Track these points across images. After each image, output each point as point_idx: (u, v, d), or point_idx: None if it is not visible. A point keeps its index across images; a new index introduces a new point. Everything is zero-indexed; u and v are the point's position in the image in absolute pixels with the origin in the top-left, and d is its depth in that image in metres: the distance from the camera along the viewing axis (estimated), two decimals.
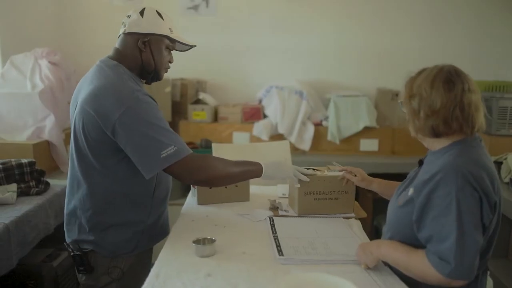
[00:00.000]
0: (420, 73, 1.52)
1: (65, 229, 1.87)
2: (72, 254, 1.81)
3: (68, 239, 1.85)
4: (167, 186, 1.94)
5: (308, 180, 2.02)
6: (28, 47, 3.41)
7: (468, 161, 1.38)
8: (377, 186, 2.02)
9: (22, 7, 3.72)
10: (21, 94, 3.09)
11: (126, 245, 1.82)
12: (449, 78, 1.44)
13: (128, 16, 1.80)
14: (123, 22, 1.81)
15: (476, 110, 1.44)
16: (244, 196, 2.29)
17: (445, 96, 1.42)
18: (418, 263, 1.37)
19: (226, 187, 2.24)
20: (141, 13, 1.78)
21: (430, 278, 1.35)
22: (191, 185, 2.31)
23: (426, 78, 1.47)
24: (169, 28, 1.83)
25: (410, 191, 1.49)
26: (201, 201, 2.23)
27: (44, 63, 3.25)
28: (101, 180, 1.74)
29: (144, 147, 1.63)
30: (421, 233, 1.41)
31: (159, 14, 1.81)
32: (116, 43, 1.84)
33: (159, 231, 1.93)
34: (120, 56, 1.80)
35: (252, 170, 1.87)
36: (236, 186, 2.26)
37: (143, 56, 1.80)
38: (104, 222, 1.78)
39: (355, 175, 2.07)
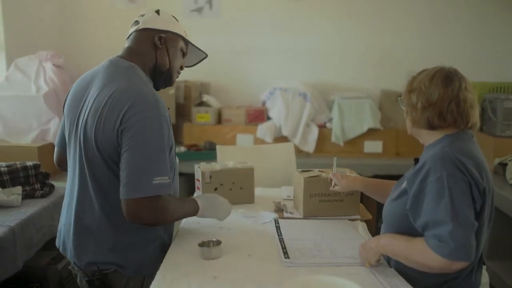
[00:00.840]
0: (421, 72, 1.60)
1: (73, 251, 1.65)
2: (87, 279, 1.63)
3: (79, 262, 1.64)
4: (176, 195, 1.82)
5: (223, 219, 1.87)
6: (32, 50, 3.42)
7: (455, 150, 1.45)
8: (362, 185, 2.01)
9: (26, 10, 3.74)
10: (25, 96, 3.10)
11: (151, 263, 1.64)
12: (448, 76, 1.53)
13: (142, 15, 1.72)
14: (136, 21, 1.72)
15: (471, 108, 1.52)
16: (249, 199, 2.29)
17: (442, 90, 1.50)
18: (418, 250, 1.41)
19: (231, 189, 2.24)
20: (157, 12, 1.73)
21: (430, 263, 1.38)
22: (197, 188, 2.31)
23: (426, 75, 1.56)
24: (184, 31, 1.79)
25: (404, 184, 1.55)
26: None
27: (48, 65, 3.27)
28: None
29: (144, 164, 1.47)
30: (417, 221, 1.45)
31: (174, 17, 1.78)
32: (127, 42, 1.73)
33: (168, 244, 1.76)
34: (133, 55, 1.68)
35: (191, 210, 1.72)
36: (241, 188, 2.26)
37: (158, 53, 1.70)
38: (128, 240, 1.62)
39: (333, 186, 2.04)
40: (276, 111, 3.98)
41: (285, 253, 1.66)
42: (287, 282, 1.39)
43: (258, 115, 4.04)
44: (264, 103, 4.16)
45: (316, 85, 4.30)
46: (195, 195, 2.35)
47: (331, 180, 2.05)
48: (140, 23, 1.70)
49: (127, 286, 1.65)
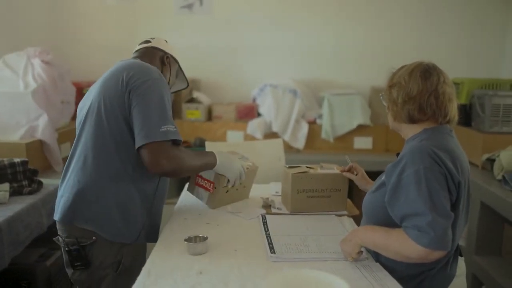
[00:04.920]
0: (401, 68, 1.64)
1: (59, 207, 1.85)
2: (67, 249, 1.80)
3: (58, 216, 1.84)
4: (165, 184, 2.00)
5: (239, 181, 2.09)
6: (21, 46, 3.39)
7: (432, 144, 1.49)
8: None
9: (14, 6, 3.71)
10: (14, 93, 3.08)
11: (131, 230, 1.85)
12: (426, 70, 1.56)
13: (153, 38, 2.06)
14: (147, 40, 2.04)
15: (450, 101, 1.56)
16: (246, 194, 2.30)
17: (421, 84, 1.54)
18: (397, 240, 1.44)
19: (237, 189, 2.17)
20: (164, 41, 2.08)
21: (409, 253, 1.41)
22: (197, 185, 2.16)
23: (406, 70, 1.60)
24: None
25: (383, 177, 1.59)
26: (214, 205, 2.13)
27: (36, 62, 3.24)
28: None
29: (150, 114, 1.70)
30: (395, 213, 1.48)
31: None
32: (135, 54, 2.02)
33: (156, 230, 1.96)
34: (143, 59, 1.96)
35: (209, 163, 1.95)
36: (244, 186, 2.23)
37: (163, 69, 2.02)
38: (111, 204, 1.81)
39: (356, 174, 2.10)
40: (266, 107, 3.98)
41: (271, 248, 1.66)
42: (272, 277, 1.39)
43: (248, 112, 4.04)
44: (254, 100, 4.16)
45: (307, 82, 4.30)
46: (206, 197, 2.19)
47: (348, 169, 2.10)
48: (152, 42, 2.04)
49: (104, 257, 1.81)
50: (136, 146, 1.71)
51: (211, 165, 1.96)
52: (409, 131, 1.62)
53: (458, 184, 1.48)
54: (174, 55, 2.09)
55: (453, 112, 1.58)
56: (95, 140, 1.78)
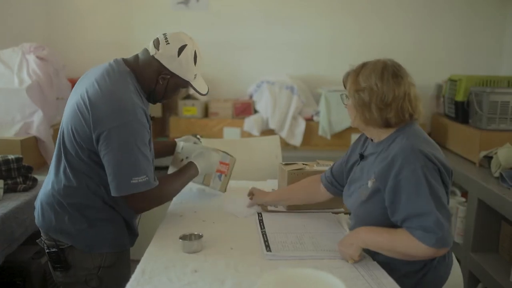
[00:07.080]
0: (362, 66, 1.62)
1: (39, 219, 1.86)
2: (48, 251, 1.80)
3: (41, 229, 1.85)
4: None
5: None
6: (16, 42, 3.36)
7: (419, 141, 1.50)
8: (272, 198, 2.05)
9: (9, 0, 3.68)
10: (8, 89, 3.05)
11: (107, 241, 1.80)
12: (396, 73, 1.54)
13: (166, 41, 1.75)
14: (158, 40, 1.76)
15: (419, 101, 1.58)
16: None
17: (396, 89, 1.52)
18: (402, 241, 1.44)
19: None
20: (180, 50, 1.76)
21: (416, 253, 1.42)
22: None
23: (373, 72, 1.55)
24: (195, 75, 1.86)
25: (369, 183, 1.55)
26: (225, 188, 2.27)
27: (31, 58, 3.21)
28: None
29: (120, 167, 1.64)
30: (396, 215, 1.47)
31: (195, 58, 1.82)
32: (140, 54, 1.80)
33: (135, 232, 1.92)
34: (136, 68, 1.78)
35: (192, 175, 1.98)
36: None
37: (157, 86, 1.80)
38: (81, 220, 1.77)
39: (251, 197, 2.10)
40: (263, 104, 3.96)
41: (267, 246, 1.65)
42: (268, 275, 1.37)
43: (245, 108, 4.02)
44: (251, 96, 4.14)
45: (304, 78, 4.28)
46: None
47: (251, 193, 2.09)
48: (159, 50, 1.74)
49: (84, 261, 1.77)
50: (112, 194, 1.69)
51: (193, 175, 1.99)
52: (382, 134, 1.60)
53: (451, 173, 1.50)
54: (183, 73, 1.80)
55: (421, 108, 1.59)
56: (68, 157, 1.74)
